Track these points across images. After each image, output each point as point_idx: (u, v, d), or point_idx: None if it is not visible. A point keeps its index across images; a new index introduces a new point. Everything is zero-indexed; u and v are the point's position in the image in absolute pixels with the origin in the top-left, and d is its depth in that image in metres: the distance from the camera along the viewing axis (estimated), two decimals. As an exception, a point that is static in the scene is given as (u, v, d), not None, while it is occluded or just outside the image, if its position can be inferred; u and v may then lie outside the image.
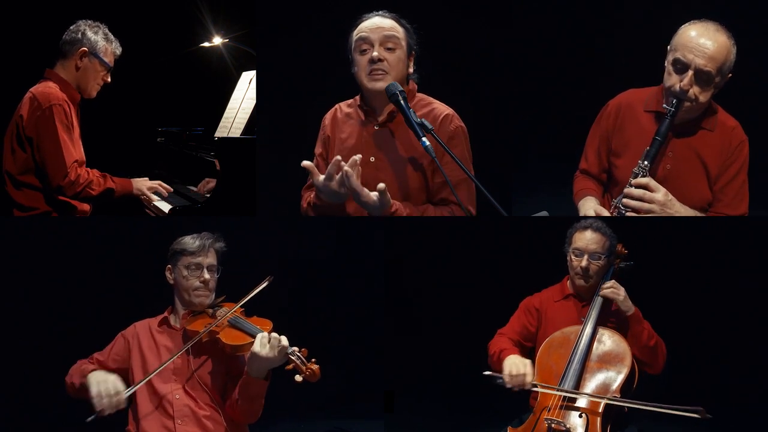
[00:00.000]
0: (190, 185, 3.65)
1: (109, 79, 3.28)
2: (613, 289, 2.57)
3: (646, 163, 2.58)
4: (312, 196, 2.65)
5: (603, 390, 2.45)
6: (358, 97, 2.71)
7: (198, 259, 2.50)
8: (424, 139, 2.39)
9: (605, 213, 2.70)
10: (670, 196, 2.56)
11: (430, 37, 2.73)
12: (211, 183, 3.43)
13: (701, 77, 2.51)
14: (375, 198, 2.40)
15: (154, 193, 3.36)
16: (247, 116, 3.54)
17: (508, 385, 2.48)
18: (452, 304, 3.65)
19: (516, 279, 3.06)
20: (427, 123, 2.44)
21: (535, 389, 2.49)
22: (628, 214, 2.59)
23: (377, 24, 2.59)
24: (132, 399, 2.44)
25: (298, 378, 2.27)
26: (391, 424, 3.37)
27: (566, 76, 3.50)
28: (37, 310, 3.30)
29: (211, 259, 2.53)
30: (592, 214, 2.71)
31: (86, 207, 3.28)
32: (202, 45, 4.17)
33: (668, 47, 2.59)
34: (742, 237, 3.36)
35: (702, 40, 2.50)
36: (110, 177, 3.21)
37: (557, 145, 3.51)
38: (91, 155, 3.27)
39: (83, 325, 3.11)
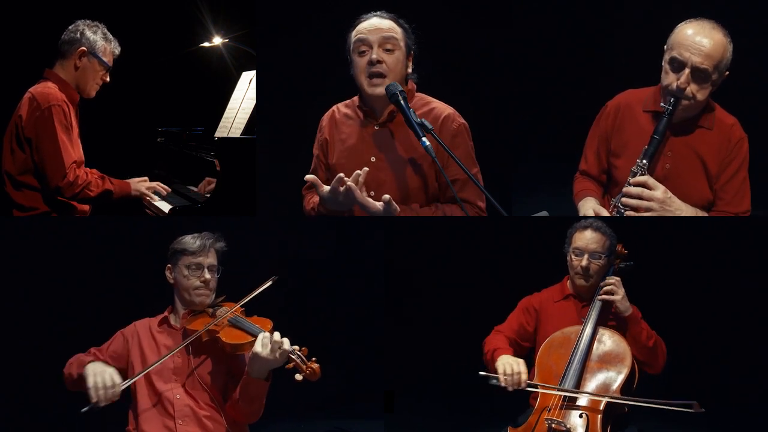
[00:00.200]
0: (190, 185, 3.64)
1: (108, 79, 3.28)
2: (614, 285, 2.57)
3: (644, 161, 2.58)
4: (316, 202, 2.65)
5: (603, 390, 2.45)
6: (356, 98, 2.70)
7: (198, 259, 2.50)
8: (424, 139, 2.39)
9: (605, 213, 2.70)
10: (669, 194, 2.55)
11: (429, 36, 2.73)
12: (212, 183, 3.43)
13: (698, 75, 2.51)
14: (381, 208, 2.41)
15: (154, 192, 3.36)
16: (247, 116, 3.54)
17: (503, 385, 2.47)
18: (452, 304, 3.65)
19: (516, 279, 3.05)
20: (427, 123, 2.44)
21: (534, 389, 2.49)
22: (628, 213, 2.59)
23: (375, 25, 2.58)
24: (132, 398, 2.45)
25: (299, 377, 2.27)
26: (391, 424, 3.36)
27: (566, 76, 3.49)
28: (37, 310, 3.30)
29: (211, 259, 2.52)
30: (591, 214, 2.71)
31: (86, 207, 3.28)
32: (202, 45, 4.16)
33: (665, 46, 2.59)
34: (742, 237, 3.35)
35: (698, 38, 2.50)
36: (109, 179, 3.22)
37: (557, 145, 3.50)
38: (91, 155, 3.28)
39: (83, 325, 3.10)
